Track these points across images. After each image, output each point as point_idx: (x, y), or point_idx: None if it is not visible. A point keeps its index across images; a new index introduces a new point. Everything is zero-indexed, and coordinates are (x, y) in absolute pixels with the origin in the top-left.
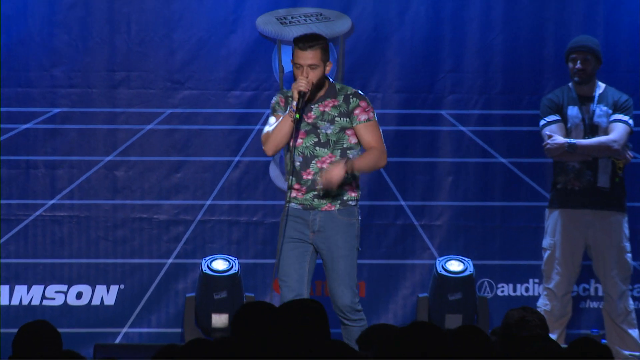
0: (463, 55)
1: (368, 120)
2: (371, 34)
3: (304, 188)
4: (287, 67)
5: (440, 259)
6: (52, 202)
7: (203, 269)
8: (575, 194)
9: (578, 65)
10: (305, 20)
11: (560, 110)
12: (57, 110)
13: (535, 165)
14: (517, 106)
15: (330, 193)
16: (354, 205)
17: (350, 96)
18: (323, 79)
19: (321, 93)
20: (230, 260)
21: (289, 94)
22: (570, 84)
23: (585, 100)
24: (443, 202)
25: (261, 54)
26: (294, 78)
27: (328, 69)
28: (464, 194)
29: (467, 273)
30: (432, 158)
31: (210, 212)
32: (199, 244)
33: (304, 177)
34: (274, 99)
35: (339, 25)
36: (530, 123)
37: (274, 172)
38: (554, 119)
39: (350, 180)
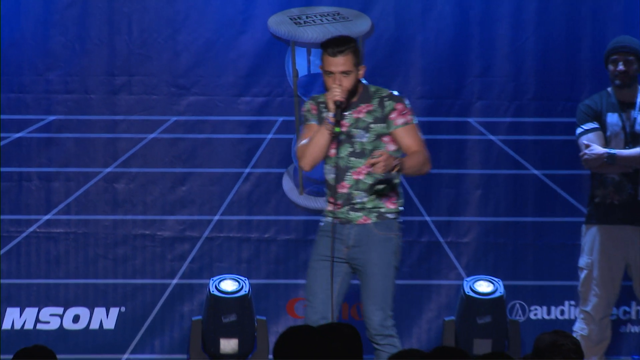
0: (492, 58)
1: (406, 123)
2: (392, 34)
3: (340, 202)
4: (302, 70)
5: (468, 279)
6: (47, 217)
7: (211, 290)
8: (614, 209)
9: (620, 68)
10: (321, 20)
11: (599, 117)
12: (52, 117)
13: (571, 177)
14: (551, 113)
15: (374, 180)
16: (392, 219)
17: (385, 99)
18: (357, 84)
19: (354, 98)
20: (240, 281)
21: (321, 99)
22: (609, 89)
23: (626, 106)
24: (471, 217)
25: (273, 56)
26: (324, 86)
27: (361, 73)
28: (494, 208)
29: (497, 294)
30: (458, 170)
31: (219, 228)
32: (206, 262)
33: (339, 190)
34: (305, 107)
35: (357, 25)
36: (566, 131)
37: (288, 184)
38: (592, 127)
39: (387, 191)
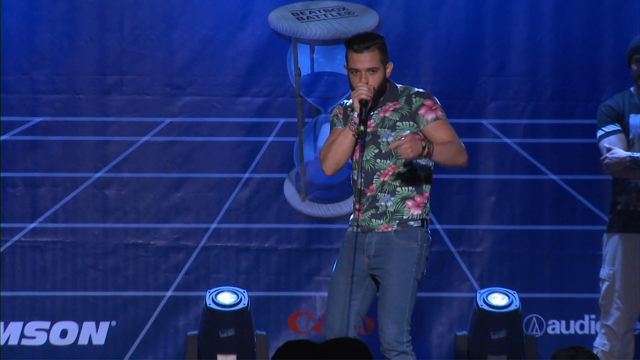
0: (507, 56)
1: (437, 119)
2: (401, 31)
3: (364, 206)
4: (304, 69)
5: (482, 291)
6: (32, 225)
7: (207, 303)
8: (638, 217)
9: None
10: (325, 15)
11: (621, 119)
12: (38, 119)
13: (591, 182)
14: (570, 115)
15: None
16: (416, 227)
17: (413, 96)
18: (384, 82)
19: (381, 97)
20: (238, 293)
21: (349, 104)
22: (632, 89)
23: None
24: (484, 225)
25: (274, 54)
26: (350, 85)
27: (389, 70)
28: (509, 216)
29: (512, 308)
30: (471, 175)
31: (216, 237)
32: (203, 273)
33: (367, 194)
34: (333, 112)
35: (364, 21)
36: (586, 134)
37: (290, 190)
38: (614, 129)
39: (411, 194)
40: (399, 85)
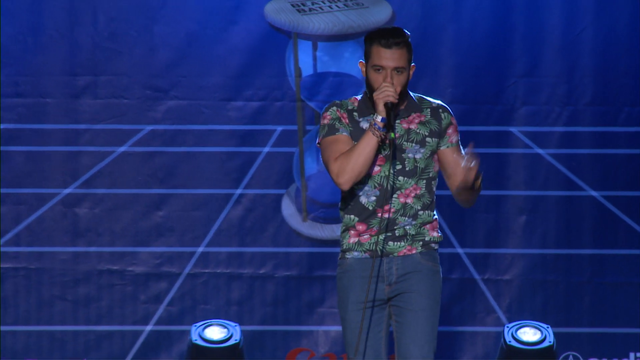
0: (540, 54)
1: (458, 142)
2: (418, 25)
3: (374, 229)
4: (306, 69)
5: (510, 325)
6: None
7: (193, 339)
8: None
9: None
10: (330, 6)
11: None
12: None
13: (637, 200)
14: (612, 121)
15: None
16: (436, 250)
17: (440, 110)
18: (407, 85)
19: (402, 106)
20: (229, 327)
21: (351, 107)
22: None
23: None
24: (513, 249)
25: (271, 52)
26: (367, 84)
27: (412, 72)
28: (542, 238)
29: (545, 344)
30: (498, 191)
31: (204, 262)
32: (188, 305)
33: (379, 215)
34: (330, 114)
35: (375, 13)
36: (631, 143)
37: (289, 209)
38: None
39: (427, 217)
40: (412, 94)
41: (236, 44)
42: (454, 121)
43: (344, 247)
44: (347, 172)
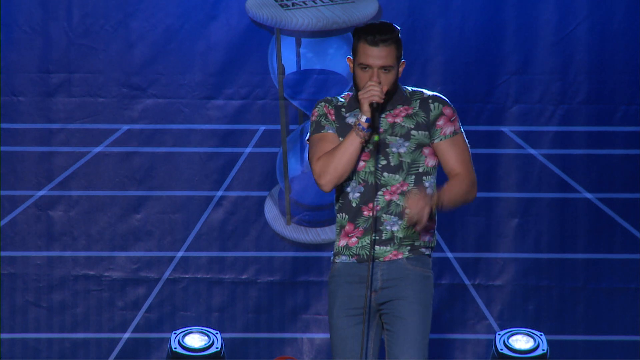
0: (533, 51)
1: (455, 133)
2: (406, 20)
3: (361, 230)
4: (289, 66)
5: (502, 332)
6: None
7: (173, 347)
8: None
9: None
10: (314, 1)
11: None
12: None
13: (633, 202)
14: (608, 121)
15: (408, 233)
16: (427, 255)
17: (430, 101)
18: (396, 84)
19: (390, 100)
20: (210, 335)
21: (340, 103)
22: None
23: None
24: (505, 254)
25: (253, 48)
26: (354, 82)
27: (401, 70)
28: (535, 242)
29: (539, 352)
30: (489, 193)
31: (183, 267)
32: (168, 311)
33: (365, 213)
34: (318, 110)
35: (361, 8)
36: (627, 144)
37: (272, 211)
38: None
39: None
40: (406, 87)
41: (217, 40)
42: (448, 111)
43: (335, 250)
44: (328, 172)
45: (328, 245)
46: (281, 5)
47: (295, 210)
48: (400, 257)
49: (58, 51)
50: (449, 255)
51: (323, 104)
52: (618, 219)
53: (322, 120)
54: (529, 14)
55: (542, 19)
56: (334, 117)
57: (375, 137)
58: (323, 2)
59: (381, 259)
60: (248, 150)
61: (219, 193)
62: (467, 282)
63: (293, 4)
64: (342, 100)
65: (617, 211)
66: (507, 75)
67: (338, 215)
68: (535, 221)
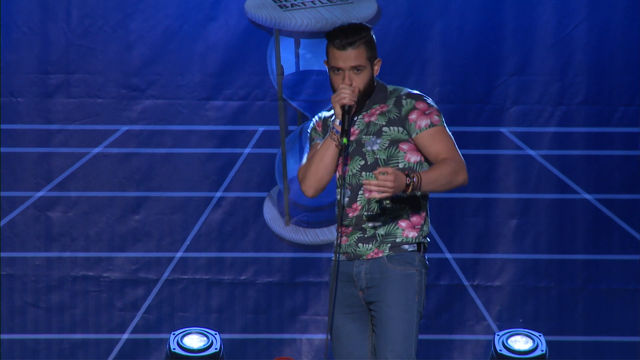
0: (532, 52)
1: (432, 125)
2: (404, 21)
3: (349, 229)
4: (288, 67)
5: (501, 333)
6: None
7: (172, 347)
8: None
9: None
10: (313, 2)
11: None
12: None
13: (632, 203)
14: (607, 121)
15: (381, 206)
16: (412, 252)
17: (403, 97)
18: (371, 82)
19: (368, 100)
20: (209, 335)
21: (329, 116)
22: None
23: None
24: (504, 254)
25: (252, 49)
26: (330, 86)
27: (377, 68)
28: (534, 243)
29: (537, 353)
30: (488, 194)
31: (182, 268)
32: (166, 312)
33: (349, 214)
34: (311, 124)
35: (359, 9)
36: (626, 144)
37: (270, 212)
38: None
39: (404, 213)
40: (389, 86)
41: (216, 41)
42: (421, 105)
43: (333, 249)
44: (308, 178)
45: (327, 246)
46: (280, 6)
47: (294, 211)
48: (381, 254)
49: (57, 52)
50: (448, 256)
51: (315, 119)
52: (617, 219)
53: (312, 133)
54: (528, 15)
55: (541, 20)
56: (320, 129)
57: (344, 140)
58: (322, 2)
59: (364, 257)
60: (247, 151)
61: (218, 194)
62: (466, 282)
63: (292, 5)
64: (330, 113)
65: (615, 212)
66: (506, 76)
67: (337, 218)
68: (534, 222)
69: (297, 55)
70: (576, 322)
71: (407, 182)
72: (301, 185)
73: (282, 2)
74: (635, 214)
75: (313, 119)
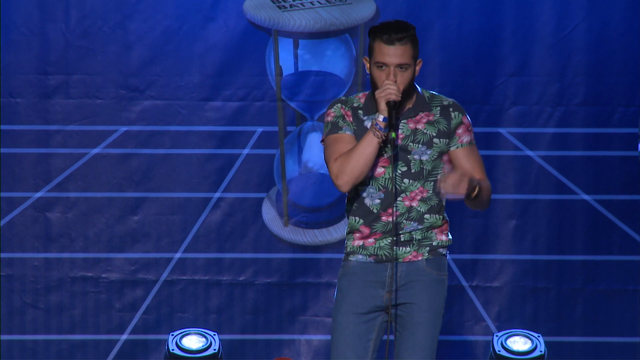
0: (531, 53)
1: (471, 142)
2: None
3: (379, 233)
4: (287, 68)
5: (500, 334)
6: None
7: (170, 348)
8: None
9: None
10: (312, 3)
11: None
12: None
13: (631, 204)
14: (606, 122)
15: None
16: (444, 255)
17: (450, 108)
18: (412, 82)
19: (409, 104)
20: (207, 336)
21: (357, 104)
22: None
23: None
24: (503, 255)
25: (251, 49)
26: (371, 82)
27: (418, 68)
28: (533, 244)
29: (536, 354)
30: None
31: (181, 268)
32: (165, 313)
33: (383, 219)
34: (334, 111)
35: (358, 10)
36: (625, 145)
37: (269, 213)
38: None
39: (437, 220)
40: (422, 90)
41: (214, 41)
42: (466, 120)
43: (348, 249)
44: (346, 173)
45: (326, 247)
46: (279, 7)
47: (292, 212)
48: (420, 258)
49: (56, 53)
50: (447, 256)
51: (340, 105)
52: (616, 220)
53: (340, 121)
54: (527, 15)
55: (540, 20)
56: (351, 119)
57: (392, 134)
58: (321, 3)
59: (400, 260)
60: (246, 151)
61: (217, 194)
62: (464, 283)
63: (291, 6)
64: (357, 101)
65: (614, 213)
66: (505, 76)
67: (351, 217)
68: (533, 223)
69: (295, 56)
70: (575, 323)
71: (474, 185)
72: (336, 180)
73: (280, 2)
74: (634, 214)
75: (333, 107)
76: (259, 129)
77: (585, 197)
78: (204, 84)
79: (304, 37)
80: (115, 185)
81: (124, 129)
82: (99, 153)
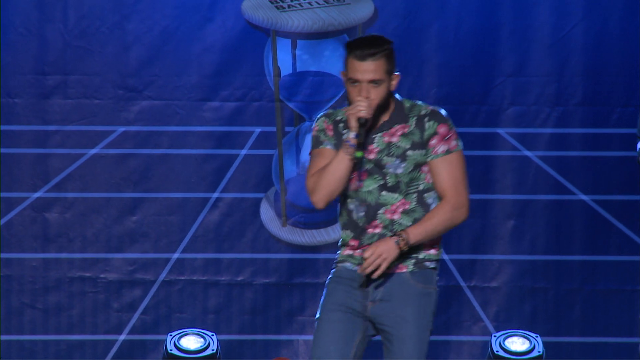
0: (529, 53)
1: (448, 152)
2: (401, 22)
3: (366, 245)
4: (285, 68)
5: (498, 334)
6: None
7: (168, 348)
8: None
9: None
10: (310, 3)
11: None
12: None
13: (629, 204)
14: (604, 122)
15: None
16: (432, 269)
17: (426, 118)
18: (388, 97)
19: (385, 117)
20: (205, 337)
21: (339, 117)
22: None
23: None
24: (501, 255)
25: (249, 50)
26: (347, 97)
27: (394, 83)
28: (531, 244)
29: (534, 354)
30: (485, 195)
31: (179, 269)
32: (163, 313)
33: (369, 231)
34: (317, 125)
35: (356, 10)
36: (623, 145)
37: (267, 213)
38: None
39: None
40: (405, 101)
41: (212, 42)
42: (442, 129)
43: (339, 257)
44: (319, 190)
45: (324, 247)
46: (277, 7)
47: (291, 212)
48: (404, 270)
49: (54, 53)
50: (445, 256)
51: (323, 118)
52: (614, 220)
53: (321, 135)
54: (525, 16)
55: (538, 20)
56: (332, 133)
57: (358, 153)
58: (319, 4)
59: (386, 271)
60: (244, 152)
61: (215, 195)
62: (462, 283)
63: (289, 6)
64: (342, 114)
65: (612, 213)
66: (503, 77)
67: (342, 231)
68: (531, 223)
69: (293, 56)
70: (573, 323)
71: (398, 244)
72: (311, 196)
73: (279, 3)
74: (633, 215)
75: (318, 120)
76: (257, 130)
77: (584, 197)
78: (202, 84)
79: (302, 38)
80: (113, 186)
81: (122, 129)
82: (97, 153)
